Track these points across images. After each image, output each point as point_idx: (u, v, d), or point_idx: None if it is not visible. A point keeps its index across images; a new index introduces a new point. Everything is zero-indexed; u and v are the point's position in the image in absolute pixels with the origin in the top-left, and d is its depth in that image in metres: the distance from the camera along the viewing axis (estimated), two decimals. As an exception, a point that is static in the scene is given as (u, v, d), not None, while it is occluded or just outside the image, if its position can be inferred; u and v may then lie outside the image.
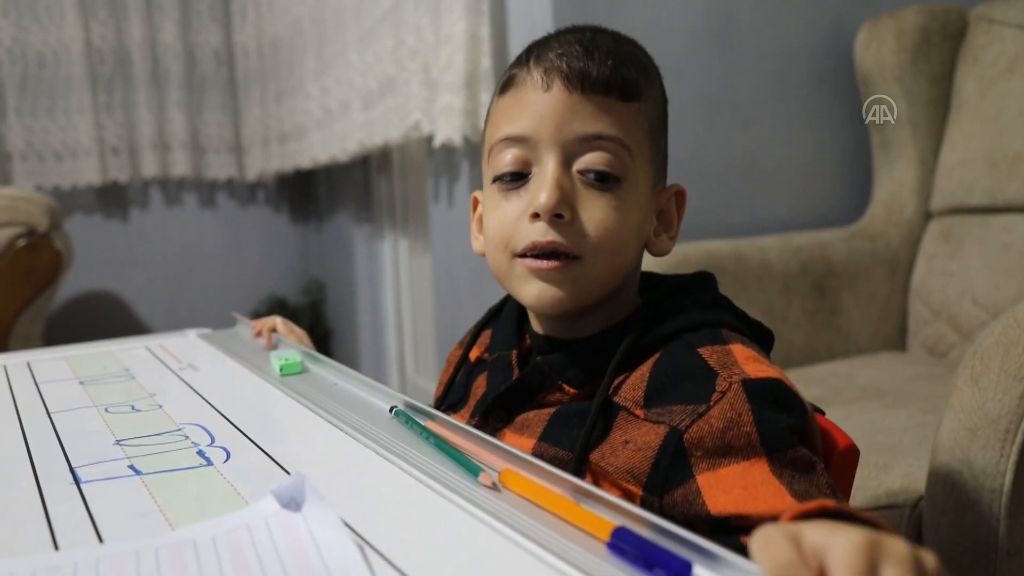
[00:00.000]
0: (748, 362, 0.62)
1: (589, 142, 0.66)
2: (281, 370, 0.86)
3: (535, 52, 0.69)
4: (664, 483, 0.60)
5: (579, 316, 0.71)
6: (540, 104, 0.66)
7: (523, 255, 0.67)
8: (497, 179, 0.69)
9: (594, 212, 0.66)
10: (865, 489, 1.05)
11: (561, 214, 0.65)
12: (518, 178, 0.68)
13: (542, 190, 0.65)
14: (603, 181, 0.66)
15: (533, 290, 0.67)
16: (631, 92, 0.67)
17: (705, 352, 0.63)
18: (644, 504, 0.60)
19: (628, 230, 0.67)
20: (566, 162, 0.66)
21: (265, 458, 0.61)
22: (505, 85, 0.71)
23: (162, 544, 0.47)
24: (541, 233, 0.65)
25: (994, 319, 1.02)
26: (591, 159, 0.66)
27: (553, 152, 0.66)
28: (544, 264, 0.66)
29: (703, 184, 1.74)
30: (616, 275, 0.69)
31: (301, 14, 2.67)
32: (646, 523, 0.44)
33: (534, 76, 0.67)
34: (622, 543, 0.43)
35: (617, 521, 0.45)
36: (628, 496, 0.61)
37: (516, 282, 0.69)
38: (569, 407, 0.67)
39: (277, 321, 1.02)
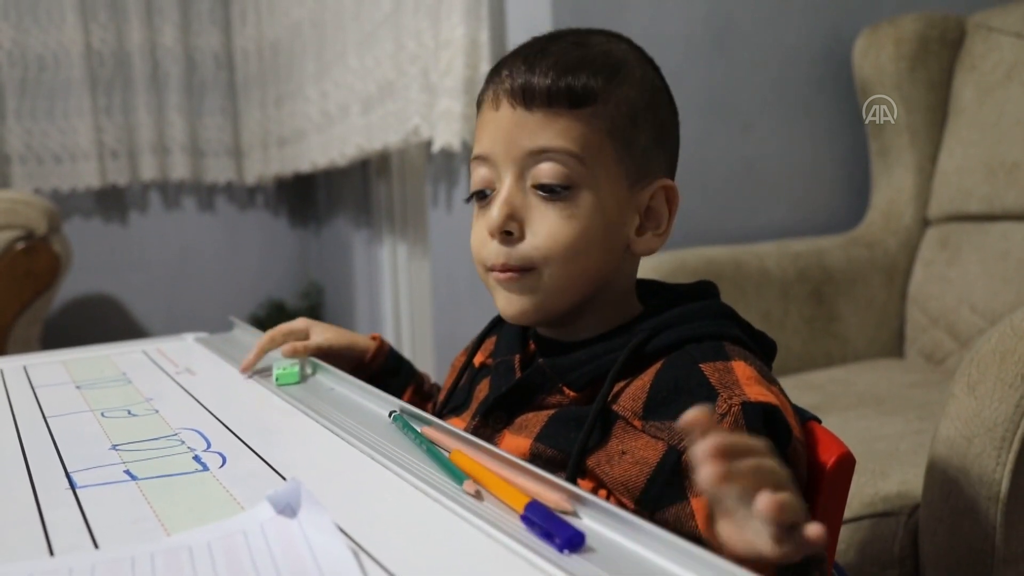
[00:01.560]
0: (749, 383, 0.62)
1: (536, 156, 0.67)
2: (277, 379, 0.85)
3: (491, 72, 0.72)
4: (657, 500, 0.60)
5: (565, 321, 0.72)
6: (493, 123, 0.69)
7: (491, 270, 0.70)
8: (470, 197, 0.73)
9: (543, 224, 0.67)
10: (862, 496, 1.05)
11: (510, 231, 0.68)
12: (483, 196, 0.71)
13: (492, 209, 0.68)
14: (552, 192, 0.67)
15: (500, 300, 0.71)
16: (579, 99, 0.67)
17: (707, 368, 0.63)
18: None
19: (585, 237, 0.68)
20: (520, 177, 0.68)
21: (261, 463, 0.61)
22: (478, 106, 0.74)
23: (158, 550, 0.47)
24: (495, 254, 0.69)
25: (991, 327, 1.02)
26: (538, 172, 0.68)
27: (509, 169, 0.68)
28: (502, 275, 0.69)
29: (701, 189, 1.74)
30: (580, 282, 0.69)
31: (301, 17, 2.67)
32: (581, 500, 0.49)
33: (488, 96, 0.71)
34: (532, 516, 0.47)
35: (567, 499, 0.49)
36: (620, 507, 0.61)
37: (492, 293, 0.72)
38: (568, 410, 0.68)
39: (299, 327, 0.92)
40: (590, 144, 0.67)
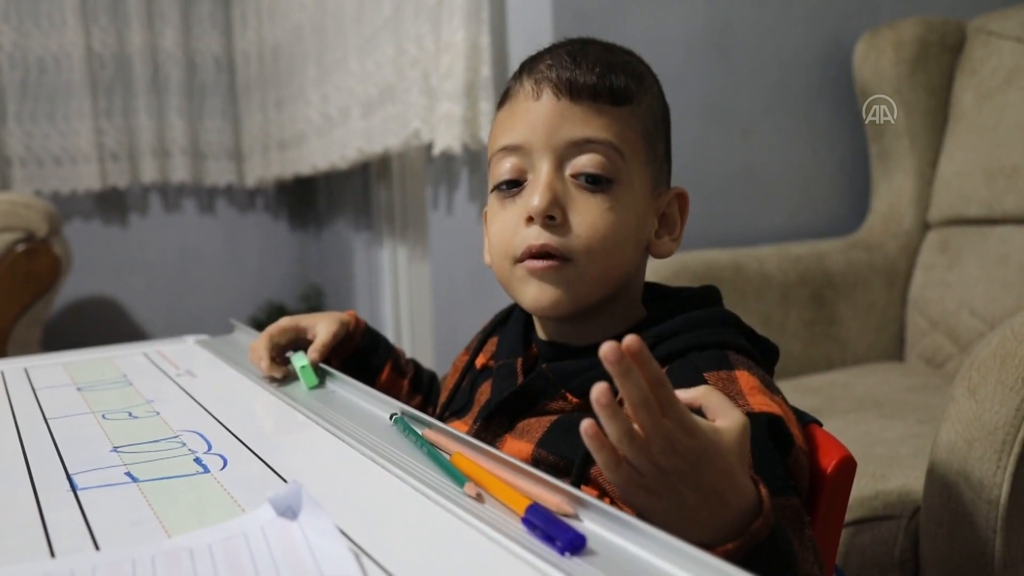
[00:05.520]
0: (753, 393, 0.62)
1: (580, 146, 0.68)
2: (308, 383, 0.83)
3: (528, 65, 0.72)
4: None
5: (580, 319, 0.71)
6: (532, 113, 0.69)
7: (522, 259, 0.69)
8: (496, 188, 0.72)
9: (586, 214, 0.67)
10: (862, 500, 1.05)
11: (553, 216, 0.67)
12: (514, 185, 0.70)
13: (534, 194, 0.67)
14: (595, 183, 0.68)
15: (532, 292, 0.69)
16: (620, 97, 0.68)
17: (711, 378, 0.63)
18: None
19: (623, 231, 0.68)
20: (559, 167, 0.68)
21: (262, 466, 0.61)
22: (502, 99, 0.74)
23: (158, 552, 0.47)
24: (535, 236, 0.68)
25: (991, 330, 1.03)
26: (582, 162, 0.68)
27: (546, 158, 0.68)
28: (540, 264, 0.68)
29: (702, 193, 1.74)
30: (613, 276, 0.69)
31: (302, 21, 2.68)
32: (577, 500, 0.49)
33: (526, 87, 0.70)
34: (533, 518, 0.47)
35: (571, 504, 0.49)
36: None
37: (517, 286, 0.71)
38: (571, 417, 0.68)
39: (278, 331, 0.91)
40: (628, 141, 0.68)
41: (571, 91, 0.68)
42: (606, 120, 0.68)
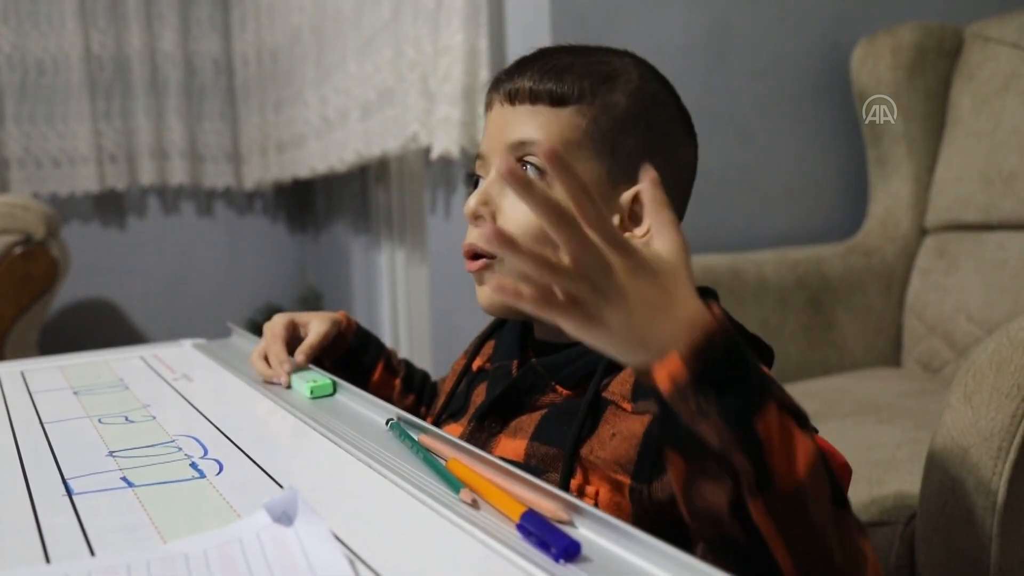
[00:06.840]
0: None
1: (517, 148, 0.71)
2: (312, 392, 0.82)
3: (492, 80, 0.76)
4: (652, 469, 0.61)
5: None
6: (489, 123, 0.75)
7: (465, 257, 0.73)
8: None
9: (511, 209, 0.70)
10: (858, 505, 1.05)
11: (481, 216, 0.71)
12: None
13: (470, 198, 0.72)
14: None
15: (478, 292, 0.73)
16: (560, 98, 0.70)
17: None
18: (633, 493, 0.61)
19: None
20: None
21: (258, 471, 0.61)
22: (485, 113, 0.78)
23: (153, 557, 0.47)
24: (466, 237, 0.72)
25: (988, 336, 1.03)
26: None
27: (495, 163, 0.72)
28: (473, 264, 0.72)
29: (699, 198, 1.72)
30: None
31: (301, 23, 2.68)
32: (573, 507, 0.49)
33: (488, 100, 0.75)
34: (528, 525, 0.47)
35: (563, 508, 0.50)
36: (617, 487, 0.62)
37: None
38: (559, 407, 0.69)
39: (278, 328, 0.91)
40: (568, 140, 0.70)
41: (510, 97, 0.71)
42: (541, 120, 0.70)
